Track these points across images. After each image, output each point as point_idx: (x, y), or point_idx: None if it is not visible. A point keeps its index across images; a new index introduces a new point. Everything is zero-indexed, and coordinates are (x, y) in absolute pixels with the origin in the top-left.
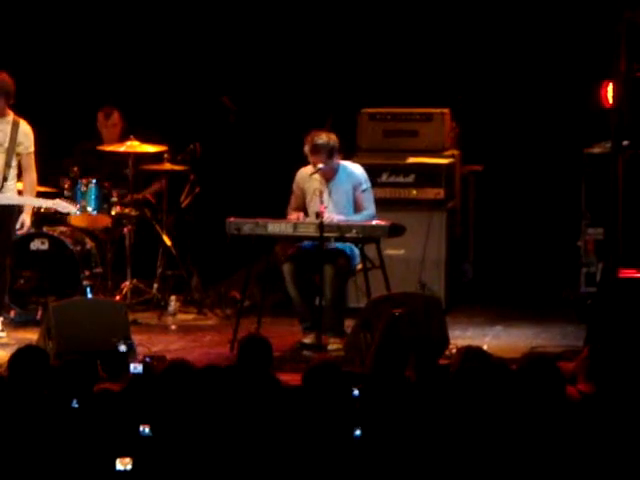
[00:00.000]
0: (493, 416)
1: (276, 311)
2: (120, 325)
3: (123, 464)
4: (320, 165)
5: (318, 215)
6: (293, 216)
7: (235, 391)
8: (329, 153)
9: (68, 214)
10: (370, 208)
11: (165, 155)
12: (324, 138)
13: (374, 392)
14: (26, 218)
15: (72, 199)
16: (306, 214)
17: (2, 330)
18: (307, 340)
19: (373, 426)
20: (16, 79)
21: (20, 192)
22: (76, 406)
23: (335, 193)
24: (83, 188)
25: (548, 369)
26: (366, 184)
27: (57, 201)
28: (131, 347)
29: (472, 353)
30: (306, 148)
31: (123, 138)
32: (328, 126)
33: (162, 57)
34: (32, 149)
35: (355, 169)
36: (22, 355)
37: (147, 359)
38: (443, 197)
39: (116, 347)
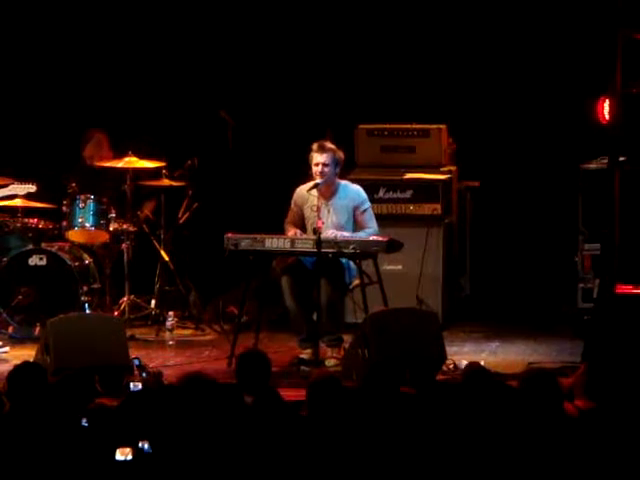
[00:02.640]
0: (493, 431)
1: (273, 326)
2: (118, 341)
3: (123, 454)
4: (318, 180)
5: (316, 231)
6: (291, 232)
7: (236, 406)
8: (334, 160)
9: (28, 194)
10: (373, 226)
11: (163, 171)
12: (333, 145)
13: (370, 408)
14: None
15: (70, 215)
16: (304, 232)
17: (3, 345)
18: (304, 356)
19: (371, 441)
20: (16, 93)
21: None
22: (85, 424)
23: (334, 212)
24: (81, 204)
25: (548, 384)
26: (366, 204)
27: (12, 186)
28: (140, 362)
29: (474, 370)
30: (313, 147)
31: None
32: (328, 139)
33: (160, 72)
34: None
35: (355, 189)
36: (20, 371)
37: (143, 375)
38: (440, 213)
39: (132, 362)
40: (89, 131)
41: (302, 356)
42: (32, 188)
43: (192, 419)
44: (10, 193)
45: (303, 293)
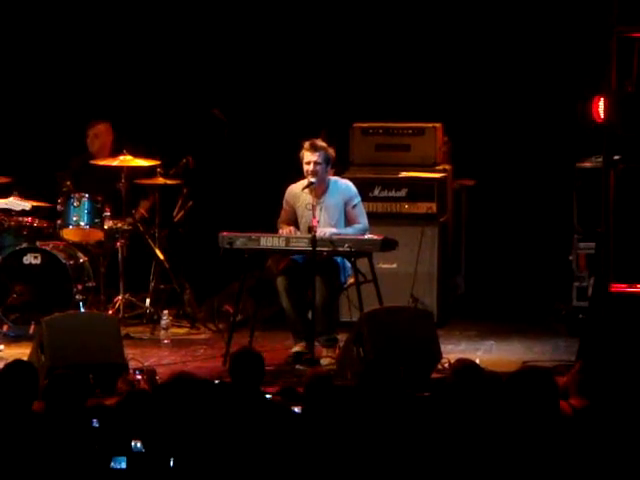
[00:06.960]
0: (486, 429)
1: (268, 325)
2: (113, 339)
3: None
4: (312, 179)
5: (311, 229)
6: (285, 230)
7: (228, 405)
8: (325, 159)
9: (23, 211)
10: (363, 221)
11: (158, 169)
12: (324, 143)
13: (366, 406)
14: None
15: (65, 213)
16: (297, 229)
17: None
18: (298, 348)
19: (365, 439)
20: (10, 91)
21: None
22: (96, 425)
23: (327, 209)
24: (76, 203)
25: (542, 381)
26: (357, 198)
27: (9, 200)
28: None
29: (465, 366)
30: (305, 146)
31: (115, 152)
32: (322, 139)
33: (154, 70)
34: None
35: (346, 184)
36: (10, 370)
37: (137, 372)
38: (435, 211)
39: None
40: (95, 121)
41: (296, 349)
42: (27, 206)
43: (179, 418)
44: (5, 207)
45: (299, 294)
